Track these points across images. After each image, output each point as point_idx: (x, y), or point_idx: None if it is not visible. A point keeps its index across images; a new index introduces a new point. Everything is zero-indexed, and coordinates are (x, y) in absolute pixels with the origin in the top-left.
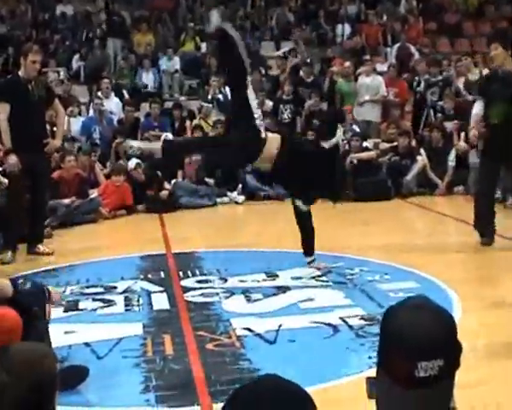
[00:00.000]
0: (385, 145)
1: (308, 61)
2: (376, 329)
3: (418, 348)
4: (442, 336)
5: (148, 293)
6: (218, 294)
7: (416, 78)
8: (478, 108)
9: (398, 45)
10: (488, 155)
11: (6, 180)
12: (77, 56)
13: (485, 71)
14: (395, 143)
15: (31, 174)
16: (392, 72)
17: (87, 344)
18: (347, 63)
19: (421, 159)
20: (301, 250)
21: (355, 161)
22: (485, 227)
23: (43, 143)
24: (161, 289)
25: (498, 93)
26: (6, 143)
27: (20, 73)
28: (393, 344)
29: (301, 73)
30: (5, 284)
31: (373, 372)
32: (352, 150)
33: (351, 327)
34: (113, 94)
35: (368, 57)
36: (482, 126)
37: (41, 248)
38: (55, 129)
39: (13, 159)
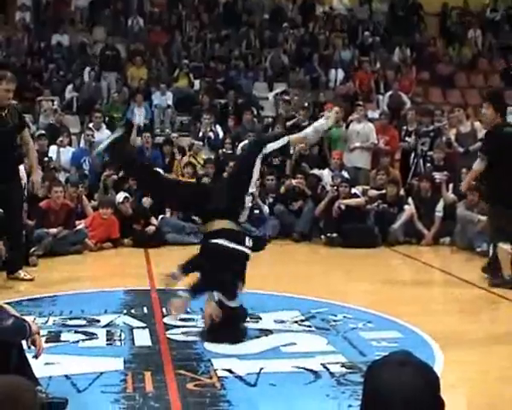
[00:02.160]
0: (373, 192)
1: (306, 104)
2: (357, 377)
3: (401, 406)
4: (425, 394)
5: (131, 328)
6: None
7: (404, 127)
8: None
9: (390, 93)
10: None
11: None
12: (70, 87)
13: (477, 124)
14: (384, 191)
15: (4, 202)
16: (383, 119)
17: (67, 377)
18: (336, 108)
19: (409, 208)
20: (285, 293)
21: (343, 207)
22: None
23: (16, 171)
24: (144, 325)
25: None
26: None
27: None
28: (377, 401)
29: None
30: None
31: None
32: (341, 196)
33: (332, 374)
34: (104, 126)
35: (361, 103)
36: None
37: (21, 273)
38: None
39: None
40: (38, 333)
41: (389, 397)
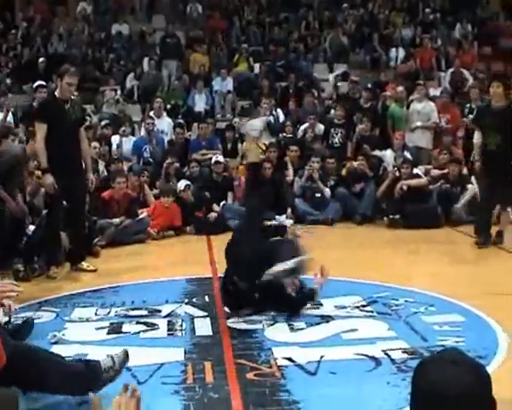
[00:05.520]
0: (436, 172)
1: (369, 86)
2: None
3: (453, 403)
4: (476, 393)
5: (192, 318)
6: (261, 321)
7: (468, 104)
8: (478, 138)
9: (451, 70)
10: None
11: None
12: (131, 75)
13: None
14: (446, 171)
15: (68, 195)
16: (445, 97)
17: (128, 369)
18: (400, 88)
19: (472, 187)
20: (347, 278)
21: (405, 188)
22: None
23: (80, 165)
24: (205, 314)
25: (494, 125)
26: (42, 163)
27: (56, 93)
28: (427, 399)
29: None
30: None
31: None
32: (403, 177)
33: (393, 361)
34: (165, 114)
35: (421, 82)
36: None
37: (84, 264)
38: None
39: (49, 179)
40: None
41: (441, 394)
